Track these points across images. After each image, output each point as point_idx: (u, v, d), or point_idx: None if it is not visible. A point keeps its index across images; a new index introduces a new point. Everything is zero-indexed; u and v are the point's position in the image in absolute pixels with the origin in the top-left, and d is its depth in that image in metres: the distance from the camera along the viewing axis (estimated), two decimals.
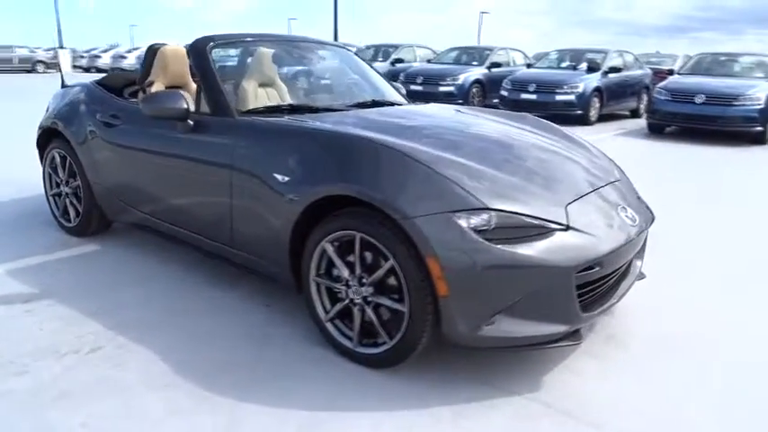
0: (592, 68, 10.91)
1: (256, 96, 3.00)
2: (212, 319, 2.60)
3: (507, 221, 2.02)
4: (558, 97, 10.47)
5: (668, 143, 8.71)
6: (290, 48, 3.57)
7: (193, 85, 3.48)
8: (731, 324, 2.68)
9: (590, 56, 11.51)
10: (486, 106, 12.14)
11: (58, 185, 3.70)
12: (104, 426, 1.88)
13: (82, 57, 34.71)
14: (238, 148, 2.53)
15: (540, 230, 2.05)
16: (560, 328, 2.10)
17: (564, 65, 11.94)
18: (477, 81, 12.32)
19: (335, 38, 21.01)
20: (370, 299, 2.17)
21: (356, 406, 2.03)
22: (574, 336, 2.17)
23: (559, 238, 2.06)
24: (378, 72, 3.83)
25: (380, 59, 14.88)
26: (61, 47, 32.02)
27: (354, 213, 2.17)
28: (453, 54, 13.86)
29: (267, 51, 3.20)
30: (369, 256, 2.16)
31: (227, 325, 2.56)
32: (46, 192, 3.82)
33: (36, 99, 7.03)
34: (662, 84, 9.68)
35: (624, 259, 2.35)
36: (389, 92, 3.59)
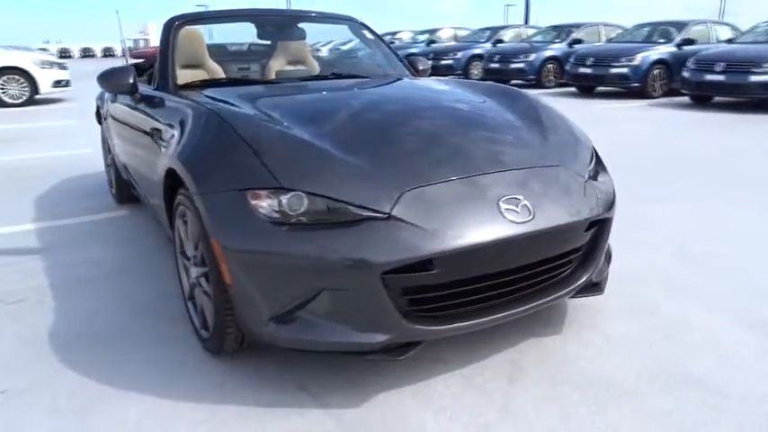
0: None
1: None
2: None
3: (315, 206, 1.72)
4: (755, 78, 8.61)
5: None
6: (265, 22, 3.50)
7: (211, 65, 3.61)
8: None
9: None
10: (668, 91, 10.66)
11: (110, 159, 4.19)
12: None
13: None
14: (157, 117, 2.59)
15: (352, 217, 1.71)
16: (376, 338, 1.74)
17: None
18: (660, 61, 10.71)
19: (526, 20, 20.01)
20: (197, 280, 2.05)
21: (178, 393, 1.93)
22: (395, 351, 1.78)
23: (371, 229, 1.69)
24: (388, 47, 3.58)
25: (557, 41, 13.85)
26: None
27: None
28: (642, 31, 12.24)
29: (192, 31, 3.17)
30: None
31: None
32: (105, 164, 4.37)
33: None
34: None
35: (501, 264, 1.84)
36: (376, 65, 3.42)
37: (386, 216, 1.71)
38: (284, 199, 1.72)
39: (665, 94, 10.86)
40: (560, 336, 2.21)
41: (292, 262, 1.67)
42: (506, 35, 16.88)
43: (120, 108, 3.39)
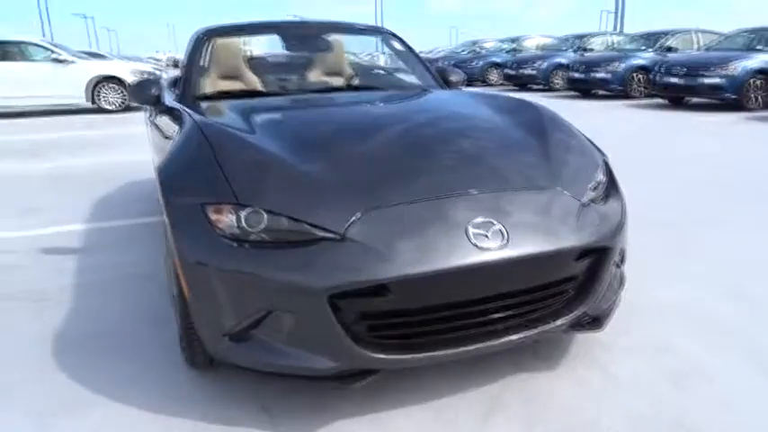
0: None
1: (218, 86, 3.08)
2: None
3: (275, 223, 1.69)
4: None
5: None
6: (293, 34, 3.50)
7: (249, 76, 3.69)
8: None
9: None
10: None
11: None
12: None
13: None
14: (164, 128, 2.67)
15: (306, 237, 1.66)
16: (327, 364, 1.67)
17: None
18: (762, 71, 9.83)
19: (618, 27, 19.04)
20: (174, 291, 2.07)
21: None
22: (346, 379, 1.70)
23: (322, 250, 1.63)
24: (417, 58, 3.50)
25: (644, 48, 13.09)
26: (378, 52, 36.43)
27: None
28: (742, 38, 11.30)
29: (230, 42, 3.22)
30: None
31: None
32: None
33: None
34: None
35: (469, 293, 1.71)
36: (403, 77, 3.36)
37: (339, 237, 1.64)
38: (242, 215, 1.70)
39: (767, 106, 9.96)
40: (554, 372, 2.03)
41: (241, 280, 1.64)
42: (594, 43, 16.21)
43: (150, 118, 3.55)
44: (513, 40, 20.08)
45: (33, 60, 11.58)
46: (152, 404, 1.89)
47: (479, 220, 1.73)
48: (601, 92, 13.35)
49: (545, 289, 1.83)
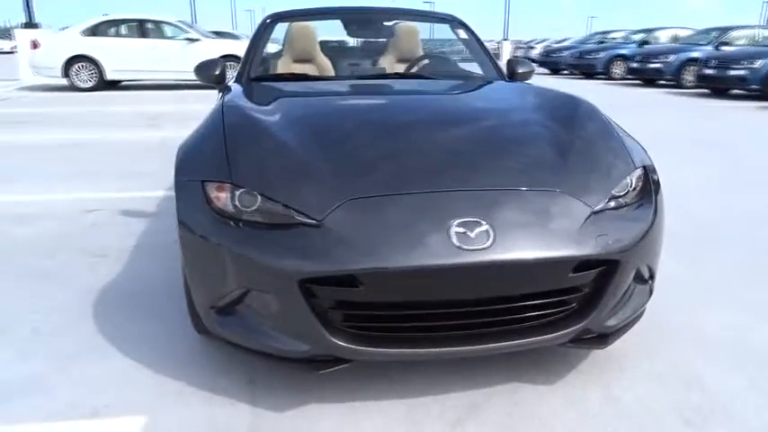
0: None
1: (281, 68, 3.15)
2: None
3: (267, 205, 1.73)
4: None
5: None
6: (353, 20, 3.48)
7: (322, 60, 3.78)
8: None
9: None
10: None
11: None
12: None
13: (520, 47, 37.76)
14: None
15: (290, 221, 1.69)
16: (300, 347, 1.69)
17: None
18: None
19: None
20: None
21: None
22: (316, 363, 1.71)
23: (300, 235, 1.65)
24: (482, 47, 3.37)
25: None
26: (505, 39, 35.57)
27: None
28: None
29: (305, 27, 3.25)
30: None
31: None
32: None
33: None
34: None
35: (447, 294, 1.65)
36: (463, 66, 3.21)
37: (317, 224, 1.65)
38: (237, 194, 1.76)
39: None
40: (549, 386, 1.91)
41: (226, 256, 1.70)
42: (738, 38, 14.66)
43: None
44: (646, 31, 18.69)
45: (168, 38, 12.63)
46: (154, 363, 2.03)
47: (465, 219, 1.65)
48: (736, 91, 12.10)
49: (537, 298, 1.72)
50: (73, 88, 11.96)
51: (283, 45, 3.71)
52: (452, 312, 1.68)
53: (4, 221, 3.54)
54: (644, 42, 16.95)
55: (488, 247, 1.61)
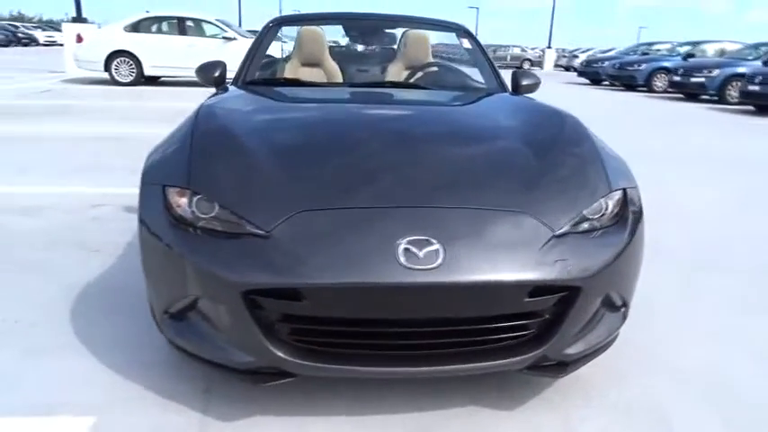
0: None
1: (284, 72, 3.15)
2: None
3: (222, 214, 1.73)
4: None
5: None
6: (356, 27, 3.45)
7: (330, 65, 3.78)
8: None
9: None
10: None
11: None
12: None
13: (564, 56, 37.21)
14: None
15: (241, 230, 1.68)
16: (244, 358, 1.68)
17: None
18: None
19: None
20: None
21: None
22: (259, 376, 1.69)
23: (248, 245, 1.63)
24: (486, 59, 3.31)
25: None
26: (549, 47, 35.17)
27: None
28: None
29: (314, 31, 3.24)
30: None
31: None
32: None
33: None
34: None
35: (391, 313, 1.61)
36: (464, 77, 3.23)
37: (266, 234, 1.64)
38: (194, 201, 1.76)
39: None
40: (509, 412, 1.84)
41: (177, 262, 1.70)
42: None
43: None
44: (693, 44, 18.15)
45: (207, 36, 12.88)
46: (120, 364, 2.04)
47: (416, 237, 1.61)
48: None
49: (492, 322, 1.67)
50: (113, 82, 12.31)
51: (293, 48, 3.73)
52: (401, 332, 1.64)
53: (11, 213, 3.64)
54: (689, 55, 16.44)
55: (436, 268, 1.56)
